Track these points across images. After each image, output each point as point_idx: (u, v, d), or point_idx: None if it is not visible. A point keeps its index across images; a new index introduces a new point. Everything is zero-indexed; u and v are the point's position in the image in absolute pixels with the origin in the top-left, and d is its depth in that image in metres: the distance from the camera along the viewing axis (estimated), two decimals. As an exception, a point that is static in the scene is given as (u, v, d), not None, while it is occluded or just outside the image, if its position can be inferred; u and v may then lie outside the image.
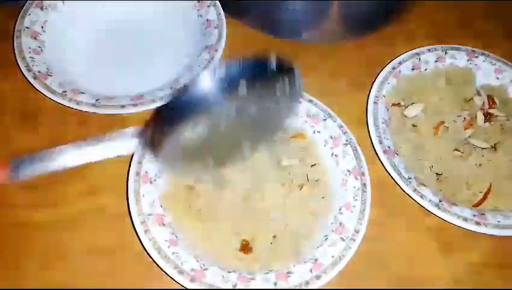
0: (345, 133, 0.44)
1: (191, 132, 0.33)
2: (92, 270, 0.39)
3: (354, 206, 0.41)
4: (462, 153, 0.45)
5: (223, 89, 0.33)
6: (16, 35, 0.47)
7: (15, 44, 0.47)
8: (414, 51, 0.50)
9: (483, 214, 0.41)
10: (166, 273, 0.37)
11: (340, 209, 0.41)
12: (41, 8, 0.50)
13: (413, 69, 0.49)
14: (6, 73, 0.48)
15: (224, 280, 0.37)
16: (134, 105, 0.44)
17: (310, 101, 0.46)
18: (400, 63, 0.49)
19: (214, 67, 0.36)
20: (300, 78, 0.37)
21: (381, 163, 0.43)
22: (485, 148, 0.45)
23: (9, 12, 0.50)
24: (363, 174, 0.42)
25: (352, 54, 0.53)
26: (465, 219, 0.40)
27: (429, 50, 0.50)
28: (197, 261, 0.37)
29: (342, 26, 0.51)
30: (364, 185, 0.42)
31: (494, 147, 0.46)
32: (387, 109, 0.47)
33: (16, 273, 0.39)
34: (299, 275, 0.38)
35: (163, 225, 0.39)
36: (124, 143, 0.37)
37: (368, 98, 0.47)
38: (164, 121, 0.33)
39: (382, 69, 0.49)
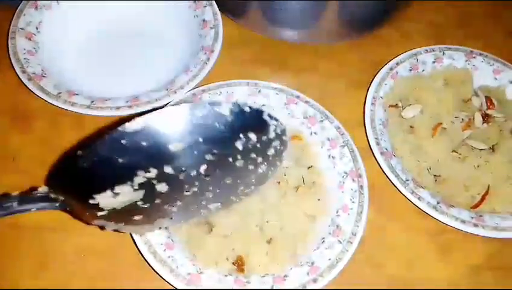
0: (342, 134, 0.44)
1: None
2: (87, 272, 0.39)
3: (351, 209, 0.40)
4: (460, 154, 0.45)
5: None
6: (10, 36, 0.47)
7: (9, 45, 0.46)
8: (412, 52, 0.50)
9: (481, 216, 0.41)
10: (161, 276, 0.36)
11: (337, 212, 0.41)
12: (36, 8, 0.49)
13: (410, 70, 0.49)
14: (1, 74, 0.48)
15: (220, 284, 0.37)
16: (129, 107, 0.43)
17: (307, 102, 0.46)
18: (397, 64, 0.49)
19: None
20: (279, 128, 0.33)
21: (379, 165, 0.42)
22: (483, 149, 0.45)
23: (3, 12, 0.50)
24: (360, 176, 0.42)
25: (349, 55, 0.53)
26: (463, 221, 0.40)
27: (427, 51, 0.50)
28: (193, 264, 0.37)
29: (339, 27, 0.50)
30: (361, 187, 0.41)
31: (492, 149, 0.45)
32: (385, 110, 0.47)
33: (11, 274, 0.39)
34: (296, 278, 0.37)
35: (159, 228, 0.38)
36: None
37: (365, 99, 0.46)
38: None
39: (379, 70, 0.48)
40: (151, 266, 0.36)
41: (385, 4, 0.50)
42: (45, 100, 0.43)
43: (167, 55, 0.51)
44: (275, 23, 0.51)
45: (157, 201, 0.31)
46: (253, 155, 0.32)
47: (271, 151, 0.34)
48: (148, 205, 0.31)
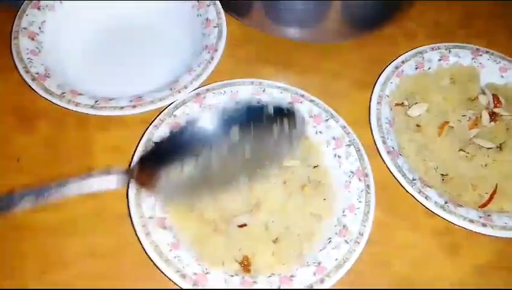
0: (348, 133, 0.44)
1: (180, 172, 0.36)
2: (92, 274, 0.39)
3: (358, 208, 0.40)
4: (468, 153, 0.44)
5: (215, 134, 0.37)
6: (13, 36, 0.47)
7: (12, 45, 0.46)
8: (417, 50, 0.49)
9: (490, 215, 0.41)
10: (167, 277, 0.36)
11: (343, 212, 0.40)
12: (39, 8, 0.49)
13: (416, 68, 0.49)
14: (4, 75, 0.47)
15: (226, 284, 0.36)
16: (134, 106, 0.43)
17: (312, 101, 0.46)
18: (402, 62, 0.48)
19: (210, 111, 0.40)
20: (303, 120, 0.41)
21: (385, 164, 0.42)
22: (491, 148, 0.44)
23: (6, 12, 0.49)
24: (366, 175, 0.42)
25: (353, 54, 0.53)
26: (471, 221, 0.40)
27: (432, 49, 0.50)
28: (199, 264, 0.37)
29: (343, 27, 0.50)
30: (368, 186, 0.41)
31: (499, 147, 0.45)
32: (391, 109, 0.46)
33: (16, 276, 0.38)
34: (303, 279, 0.37)
35: (165, 227, 0.38)
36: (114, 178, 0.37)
37: (370, 98, 0.46)
38: (153, 161, 0.37)
39: (385, 69, 0.48)
40: (156, 266, 0.36)
41: (388, 4, 0.50)
42: (49, 100, 0.43)
43: (171, 55, 0.50)
44: (279, 22, 0.51)
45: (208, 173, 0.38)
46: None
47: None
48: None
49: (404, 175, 0.41)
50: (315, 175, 0.43)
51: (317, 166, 0.43)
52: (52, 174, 0.42)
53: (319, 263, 0.38)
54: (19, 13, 0.48)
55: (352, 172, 0.42)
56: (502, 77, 0.50)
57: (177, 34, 0.52)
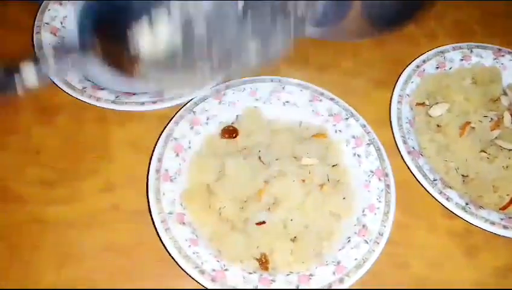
0: (368, 132, 0.43)
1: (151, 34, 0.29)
2: (109, 268, 0.39)
3: (378, 208, 0.40)
4: (489, 154, 0.44)
5: None
6: (35, 30, 0.47)
7: (35, 39, 0.46)
8: (438, 49, 0.49)
9: (511, 217, 0.40)
10: (186, 272, 0.36)
11: (363, 211, 0.40)
12: (60, 4, 0.49)
13: (437, 67, 0.48)
14: (26, 68, 0.48)
15: (245, 281, 0.36)
16: (154, 102, 0.43)
17: (332, 99, 0.45)
18: (424, 62, 0.48)
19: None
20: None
21: (406, 164, 0.42)
22: (512, 150, 0.44)
23: (29, 7, 0.50)
24: (386, 175, 0.41)
25: (372, 52, 0.53)
26: (493, 223, 0.39)
27: (454, 48, 0.49)
28: (218, 261, 0.37)
29: (362, 25, 0.50)
30: (388, 186, 0.41)
31: (521, 149, 0.44)
32: (412, 109, 0.46)
33: (32, 270, 0.39)
34: (322, 278, 0.37)
35: (184, 223, 0.38)
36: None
37: (391, 97, 0.46)
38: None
39: (406, 68, 0.48)
40: (176, 262, 0.36)
41: (408, 3, 0.49)
42: (70, 95, 0.43)
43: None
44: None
45: (196, 44, 0.31)
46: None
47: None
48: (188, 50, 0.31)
49: (425, 175, 0.41)
50: (334, 174, 0.42)
51: (337, 165, 0.43)
52: (70, 168, 0.43)
53: (339, 263, 0.37)
54: (41, 8, 0.49)
55: (372, 171, 0.42)
56: (524, 78, 0.49)
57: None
